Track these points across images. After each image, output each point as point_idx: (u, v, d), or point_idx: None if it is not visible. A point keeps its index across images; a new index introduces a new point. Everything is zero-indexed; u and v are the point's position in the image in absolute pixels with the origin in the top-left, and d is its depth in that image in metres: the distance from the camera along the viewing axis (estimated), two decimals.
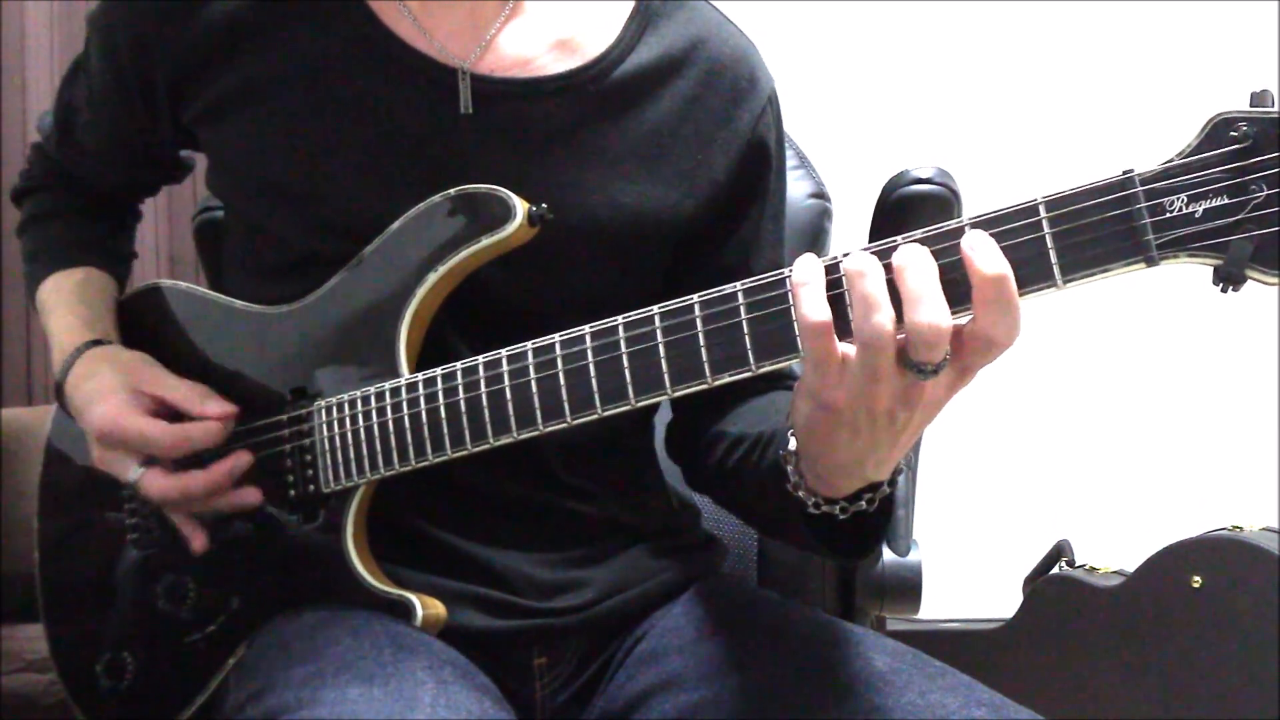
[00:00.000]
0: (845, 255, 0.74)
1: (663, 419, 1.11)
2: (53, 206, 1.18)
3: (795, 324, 0.75)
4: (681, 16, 1.03)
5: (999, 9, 2.62)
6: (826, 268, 0.74)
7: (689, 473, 1.10)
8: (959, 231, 0.72)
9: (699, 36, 1.03)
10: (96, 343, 1.04)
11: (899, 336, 0.71)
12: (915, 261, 0.71)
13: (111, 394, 0.98)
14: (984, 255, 0.70)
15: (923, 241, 0.73)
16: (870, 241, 0.75)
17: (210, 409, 0.97)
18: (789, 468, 0.83)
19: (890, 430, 0.75)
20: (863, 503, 0.82)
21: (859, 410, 0.74)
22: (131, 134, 1.08)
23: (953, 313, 0.71)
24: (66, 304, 1.10)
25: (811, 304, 0.72)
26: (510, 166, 0.95)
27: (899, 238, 0.73)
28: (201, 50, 0.98)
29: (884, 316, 0.70)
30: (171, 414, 0.99)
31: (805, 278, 0.73)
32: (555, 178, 0.97)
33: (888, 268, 0.72)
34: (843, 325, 0.73)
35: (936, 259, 0.72)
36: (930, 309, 0.70)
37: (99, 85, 1.06)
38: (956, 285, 0.71)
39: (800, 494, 0.83)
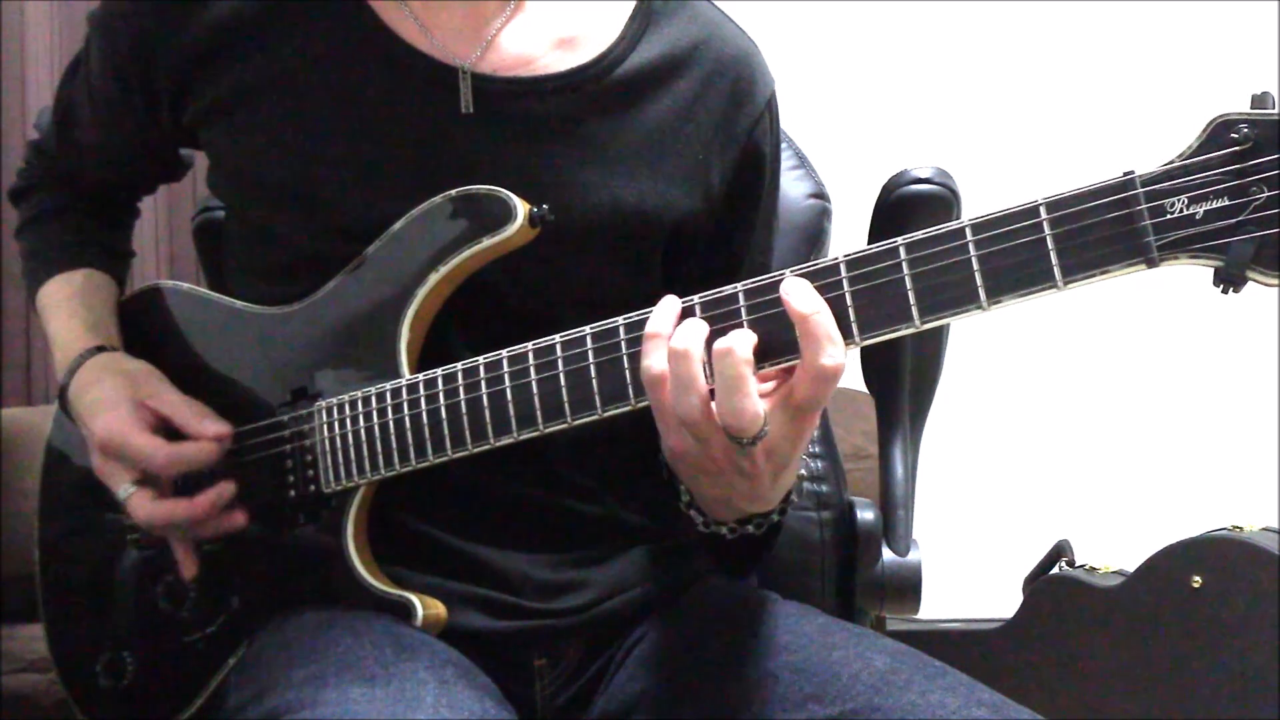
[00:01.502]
0: (704, 299, 0.80)
1: None
2: (51, 206, 1.18)
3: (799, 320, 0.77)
4: (683, 16, 1.03)
5: (999, 9, 2.62)
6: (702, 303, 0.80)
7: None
8: (960, 233, 0.73)
9: (701, 37, 1.03)
10: (100, 349, 1.04)
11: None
12: (732, 348, 0.76)
13: (115, 406, 0.98)
14: (798, 297, 0.76)
15: (924, 243, 0.74)
16: (870, 242, 0.76)
17: (207, 429, 0.98)
18: (681, 487, 0.90)
19: (743, 478, 0.81)
20: (749, 528, 0.88)
21: (702, 461, 0.80)
22: (131, 133, 1.08)
23: (782, 361, 0.77)
24: (68, 308, 1.10)
25: (654, 356, 0.78)
26: (511, 165, 0.95)
27: (900, 239, 0.74)
28: (202, 50, 0.98)
29: (697, 399, 0.76)
30: (172, 430, 0.99)
31: (656, 329, 0.79)
32: (556, 176, 0.97)
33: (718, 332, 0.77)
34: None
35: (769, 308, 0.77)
36: (736, 403, 0.75)
37: (99, 84, 1.06)
38: (787, 333, 0.76)
39: (691, 513, 0.90)
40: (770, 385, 0.79)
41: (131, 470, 0.98)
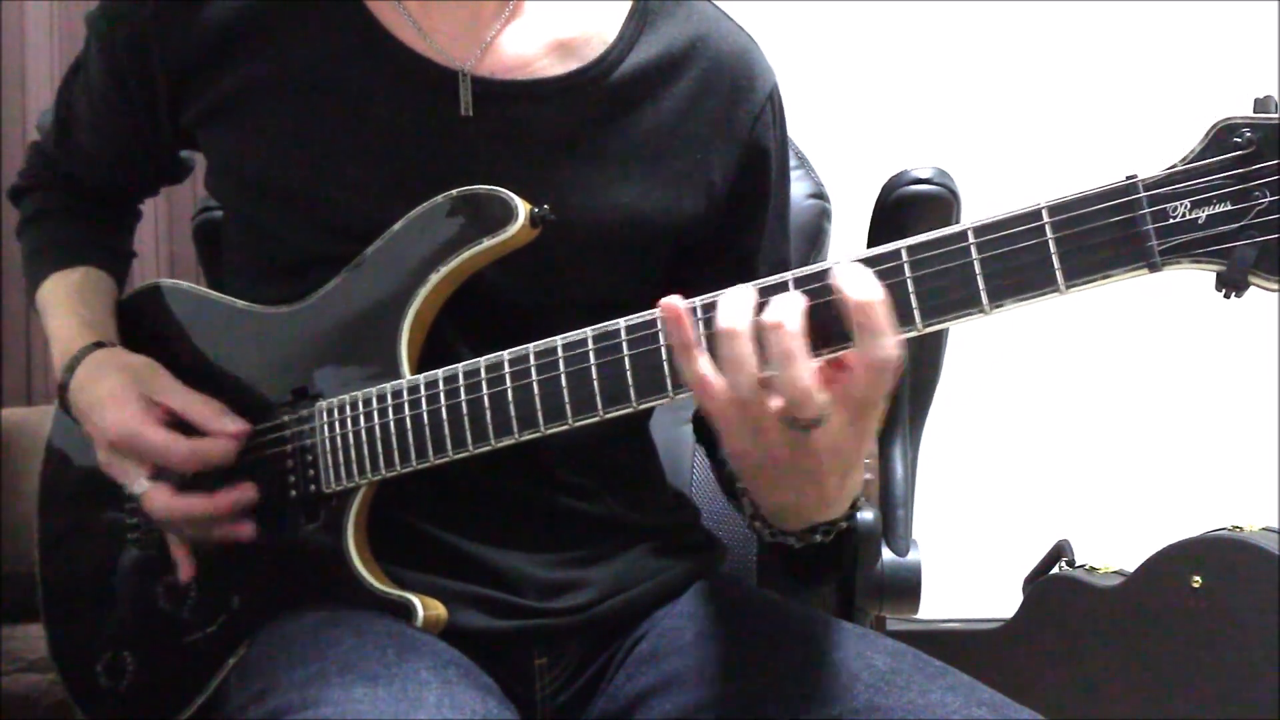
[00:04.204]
0: (707, 301, 0.77)
1: (668, 421, 1.11)
2: (51, 205, 1.18)
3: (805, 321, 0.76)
4: (681, 14, 1.03)
5: (1000, 10, 2.62)
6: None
7: (714, 468, 1.12)
8: (962, 236, 0.72)
9: (698, 35, 1.02)
10: (99, 345, 1.04)
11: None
12: (782, 319, 0.73)
13: (125, 401, 0.98)
14: (852, 283, 0.72)
15: (926, 246, 0.74)
16: (869, 245, 0.76)
17: (226, 426, 0.97)
18: (745, 501, 0.87)
19: (810, 482, 0.79)
20: (817, 536, 0.86)
21: (763, 461, 0.77)
22: (130, 135, 1.07)
23: (835, 349, 0.74)
24: (67, 304, 1.09)
25: (688, 362, 0.76)
26: (510, 168, 0.95)
27: (901, 243, 0.74)
28: (200, 52, 0.98)
29: (749, 376, 0.74)
30: (182, 425, 0.98)
31: (680, 341, 0.76)
32: (555, 179, 0.96)
33: (762, 307, 0.75)
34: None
35: (820, 297, 0.74)
36: (791, 374, 0.72)
37: (98, 86, 1.06)
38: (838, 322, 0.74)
39: (756, 524, 0.88)
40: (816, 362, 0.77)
41: (145, 466, 0.98)
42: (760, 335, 0.74)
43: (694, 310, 0.78)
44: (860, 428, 0.76)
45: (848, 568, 1.31)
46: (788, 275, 0.77)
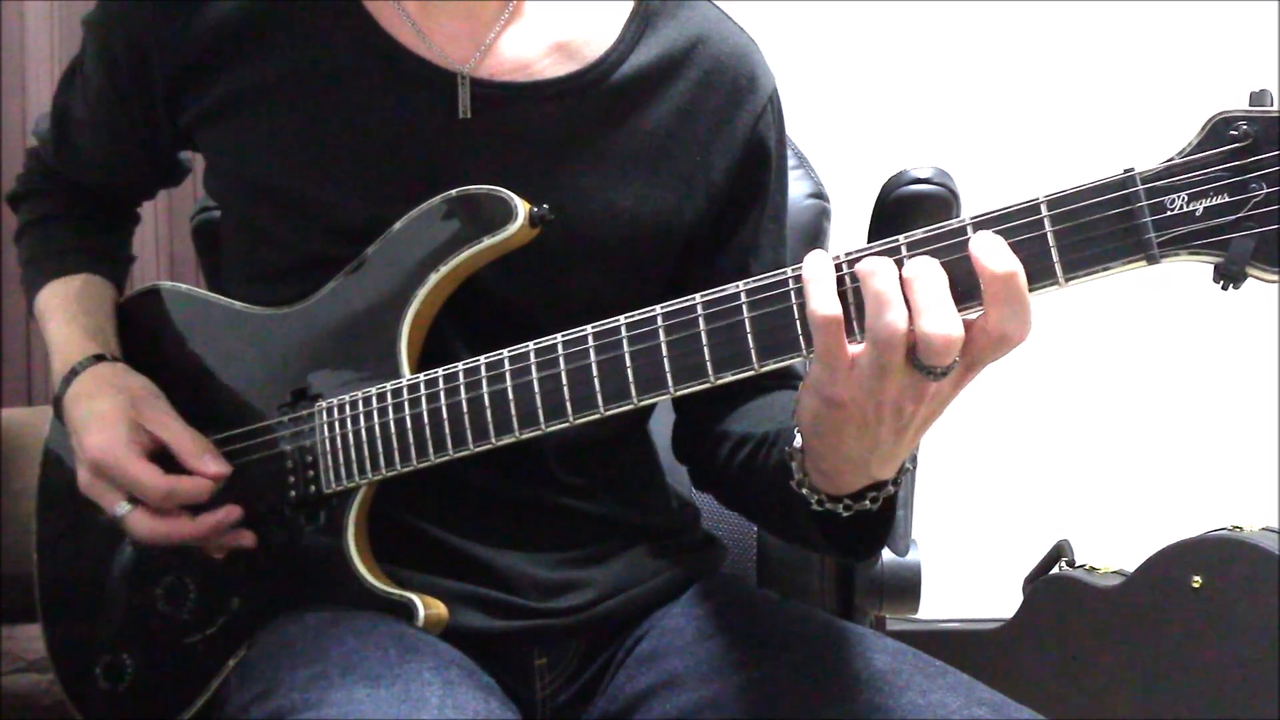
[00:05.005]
0: (852, 256, 0.74)
1: (668, 421, 1.11)
2: (50, 211, 1.17)
3: (805, 319, 0.75)
4: (681, 15, 1.03)
5: (999, 9, 2.62)
6: (834, 265, 0.75)
7: (694, 473, 1.10)
8: (962, 231, 0.72)
9: (699, 35, 1.02)
10: (99, 358, 1.04)
11: (909, 336, 0.72)
12: (925, 272, 0.71)
13: (112, 423, 0.97)
14: (992, 254, 0.70)
15: (925, 241, 0.73)
16: (869, 242, 0.75)
17: (207, 466, 0.97)
18: (793, 464, 0.83)
19: (897, 425, 0.76)
20: (866, 501, 0.82)
21: (866, 406, 0.74)
22: (129, 137, 1.07)
23: (960, 309, 0.72)
24: (67, 313, 1.09)
25: (821, 298, 0.73)
26: (509, 171, 0.95)
27: (901, 237, 0.74)
28: (199, 53, 0.98)
29: (897, 314, 0.71)
30: (167, 456, 0.98)
31: (815, 273, 0.74)
32: (554, 182, 0.96)
33: (898, 264, 0.72)
34: (848, 324, 0.74)
35: (943, 257, 0.72)
36: (941, 318, 0.70)
37: (95, 88, 1.06)
38: (964, 282, 0.72)
39: (804, 491, 0.83)
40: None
41: (122, 491, 0.97)
42: (903, 285, 0.72)
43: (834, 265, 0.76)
44: (963, 383, 0.75)
45: (847, 568, 1.32)
46: (899, 238, 0.74)
